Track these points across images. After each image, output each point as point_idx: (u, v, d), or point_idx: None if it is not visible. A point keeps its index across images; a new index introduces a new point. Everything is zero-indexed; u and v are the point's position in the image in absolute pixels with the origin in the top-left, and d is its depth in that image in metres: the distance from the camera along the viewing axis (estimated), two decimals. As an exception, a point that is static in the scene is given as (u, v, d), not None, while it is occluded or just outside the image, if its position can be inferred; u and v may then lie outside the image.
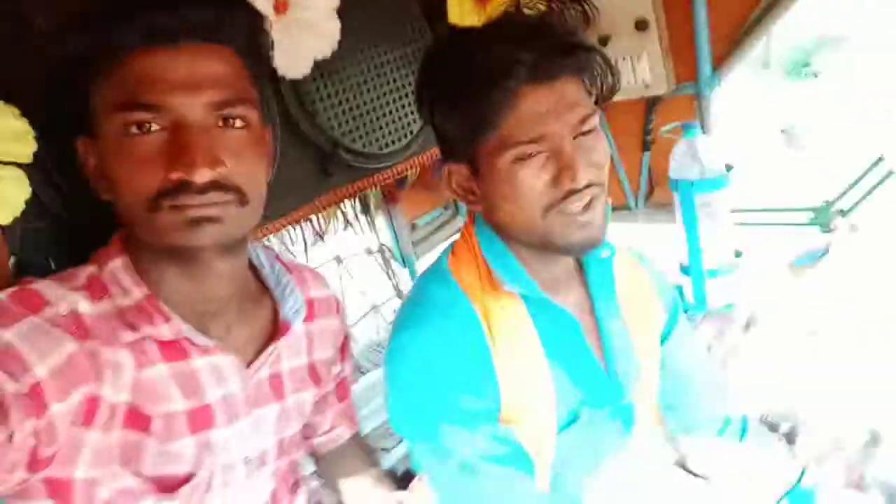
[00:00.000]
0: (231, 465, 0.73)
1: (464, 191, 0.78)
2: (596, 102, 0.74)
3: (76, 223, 0.77)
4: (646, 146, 1.54)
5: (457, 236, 0.85)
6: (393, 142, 1.16)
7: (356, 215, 1.60)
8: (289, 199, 1.05)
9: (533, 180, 0.70)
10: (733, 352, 1.32)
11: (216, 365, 0.70)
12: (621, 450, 0.87)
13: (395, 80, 1.15)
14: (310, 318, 0.83)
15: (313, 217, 1.21)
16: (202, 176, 0.60)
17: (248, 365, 0.74)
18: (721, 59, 1.31)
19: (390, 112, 1.15)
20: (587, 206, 0.71)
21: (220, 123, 0.63)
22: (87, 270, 0.67)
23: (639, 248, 0.96)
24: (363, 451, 1.00)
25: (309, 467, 1.00)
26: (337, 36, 0.94)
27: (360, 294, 2.07)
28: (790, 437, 0.96)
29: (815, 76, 7.85)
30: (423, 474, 0.81)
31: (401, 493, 0.95)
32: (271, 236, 1.12)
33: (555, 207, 0.71)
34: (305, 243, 1.38)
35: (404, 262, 1.96)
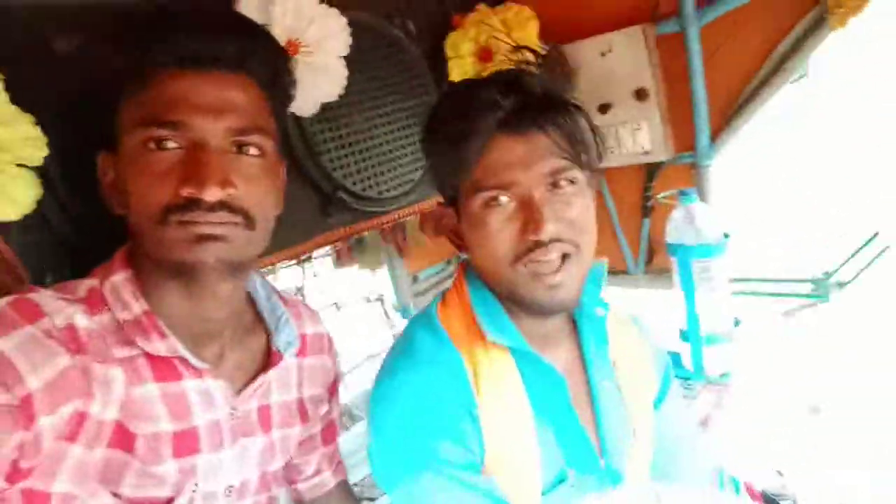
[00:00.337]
0: (213, 494, 0.72)
1: (451, 234, 0.80)
2: (584, 163, 0.75)
3: (79, 241, 0.80)
4: (645, 212, 1.56)
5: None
6: (393, 188, 1.19)
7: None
8: (287, 235, 1.07)
9: (501, 227, 0.71)
10: (731, 422, 1.28)
11: (206, 389, 0.70)
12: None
13: (398, 130, 1.20)
14: (302, 353, 0.84)
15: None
16: (212, 194, 0.62)
17: (238, 393, 0.74)
18: (718, 131, 1.35)
19: (392, 160, 1.19)
20: (558, 268, 0.71)
21: (236, 149, 0.66)
22: (88, 283, 0.68)
23: (635, 312, 0.95)
24: (349, 501, 0.97)
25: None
26: (344, 81, 0.99)
27: (357, 341, 2.06)
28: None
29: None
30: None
31: None
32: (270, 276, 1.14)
33: (521, 259, 0.71)
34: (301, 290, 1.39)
35: (403, 312, 1.96)
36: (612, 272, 1.63)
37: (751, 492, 1.01)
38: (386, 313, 1.91)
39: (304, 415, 0.84)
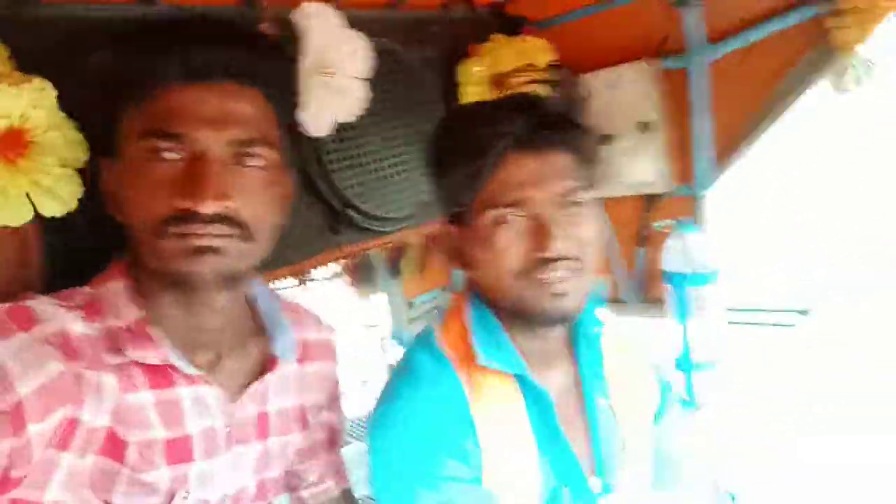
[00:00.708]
0: (206, 502, 0.71)
1: (453, 252, 0.81)
2: (593, 185, 0.77)
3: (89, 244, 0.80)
4: (641, 241, 1.59)
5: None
6: (401, 208, 1.21)
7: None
8: (294, 251, 1.08)
9: (509, 243, 0.73)
10: (720, 450, 1.29)
11: (200, 396, 0.69)
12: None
13: (409, 153, 1.23)
14: (303, 359, 0.83)
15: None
16: (208, 208, 0.62)
17: (235, 399, 0.73)
18: (717, 164, 1.40)
19: (401, 181, 1.21)
20: (564, 279, 0.72)
21: (238, 161, 0.66)
22: (85, 291, 0.68)
23: (630, 333, 0.96)
24: None
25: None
26: (363, 102, 1.02)
27: (351, 367, 2.04)
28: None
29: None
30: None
31: None
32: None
33: (527, 275, 0.73)
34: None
35: (398, 339, 1.96)
36: (607, 300, 1.65)
37: None
38: (381, 339, 1.90)
39: (303, 422, 0.84)
